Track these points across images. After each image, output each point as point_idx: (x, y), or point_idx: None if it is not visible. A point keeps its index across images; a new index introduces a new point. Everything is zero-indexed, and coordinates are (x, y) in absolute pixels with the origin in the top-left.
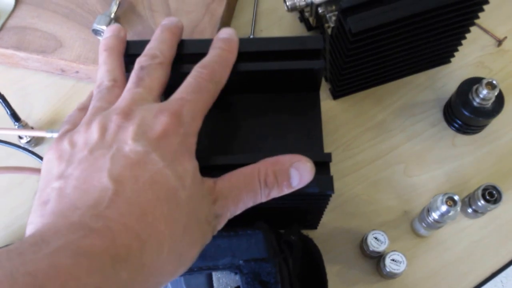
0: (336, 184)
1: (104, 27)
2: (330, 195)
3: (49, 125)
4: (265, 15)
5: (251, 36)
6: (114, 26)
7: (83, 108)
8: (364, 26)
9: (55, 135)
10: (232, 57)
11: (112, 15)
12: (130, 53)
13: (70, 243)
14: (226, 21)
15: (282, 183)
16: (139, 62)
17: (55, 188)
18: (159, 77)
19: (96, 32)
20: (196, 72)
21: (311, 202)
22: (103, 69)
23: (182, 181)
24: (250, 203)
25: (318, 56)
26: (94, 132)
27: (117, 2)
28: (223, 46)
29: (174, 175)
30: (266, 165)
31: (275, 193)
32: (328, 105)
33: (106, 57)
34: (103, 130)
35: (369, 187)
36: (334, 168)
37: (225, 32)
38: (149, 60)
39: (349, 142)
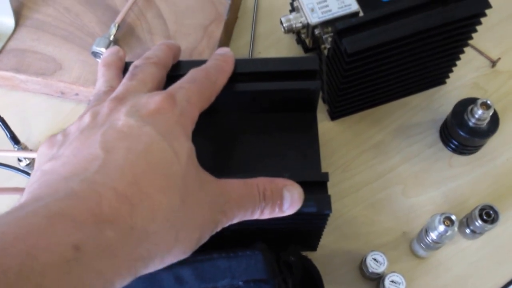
0: (335, 206)
1: (103, 49)
2: (328, 215)
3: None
4: (263, 37)
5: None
6: (113, 47)
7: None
8: (359, 47)
9: None
10: (227, 66)
11: (111, 38)
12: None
13: (47, 205)
14: (224, 44)
15: (276, 201)
16: (133, 64)
17: (45, 168)
18: (152, 72)
19: (96, 55)
20: (192, 71)
21: (309, 222)
22: (100, 80)
23: (178, 156)
24: (248, 213)
25: (314, 76)
26: (86, 118)
27: (116, 25)
28: (219, 57)
29: (169, 148)
30: (264, 180)
31: (268, 212)
32: (326, 126)
33: (105, 71)
34: (95, 113)
35: (367, 209)
36: (332, 190)
37: (221, 49)
38: (143, 60)
39: (347, 163)
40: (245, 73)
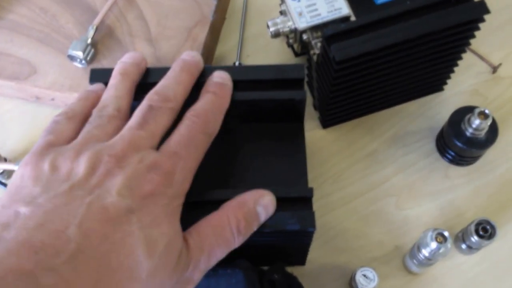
0: (326, 218)
1: (80, 53)
2: (313, 232)
3: (23, 156)
4: (252, 40)
5: (237, 62)
6: (137, 54)
7: (73, 117)
8: (348, 54)
9: None
10: (225, 103)
11: (89, 41)
12: (96, 82)
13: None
14: (210, 47)
15: (253, 223)
16: (150, 99)
17: (20, 214)
18: (165, 123)
19: (72, 58)
20: (190, 122)
21: (293, 239)
22: (111, 92)
23: (153, 249)
24: (223, 254)
25: (300, 86)
26: (81, 167)
27: (95, 27)
28: (217, 91)
29: (145, 242)
30: (234, 210)
31: (248, 235)
32: (317, 134)
33: (118, 82)
34: (91, 169)
35: (359, 221)
36: (323, 201)
37: (219, 76)
38: (160, 102)
39: (339, 173)
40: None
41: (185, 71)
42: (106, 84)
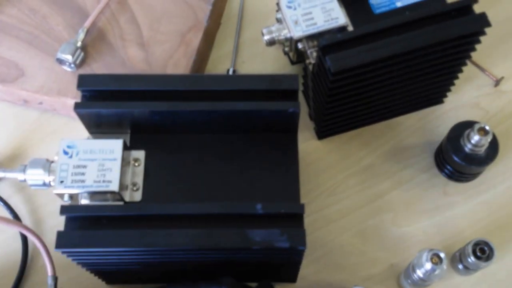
0: (320, 233)
1: (69, 57)
2: (303, 250)
3: (10, 160)
4: (248, 45)
5: (231, 69)
6: None
7: None
8: (344, 65)
9: (8, 175)
10: None
11: (79, 44)
12: (83, 88)
13: None
14: (204, 52)
15: None
16: None
17: None
18: None
19: (61, 62)
20: None
21: (283, 257)
22: None
23: None
24: None
25: (294, 97)
26: None
27: (85, 30)
28: None
29: None
30: None
31: None
32: (312, 145)
33: None
34: None
35: (354, 237)
36: (317, 215)
37: None
38: None
39: (335, 186)
40: (218, 90)
41: None
42: (95, 91)
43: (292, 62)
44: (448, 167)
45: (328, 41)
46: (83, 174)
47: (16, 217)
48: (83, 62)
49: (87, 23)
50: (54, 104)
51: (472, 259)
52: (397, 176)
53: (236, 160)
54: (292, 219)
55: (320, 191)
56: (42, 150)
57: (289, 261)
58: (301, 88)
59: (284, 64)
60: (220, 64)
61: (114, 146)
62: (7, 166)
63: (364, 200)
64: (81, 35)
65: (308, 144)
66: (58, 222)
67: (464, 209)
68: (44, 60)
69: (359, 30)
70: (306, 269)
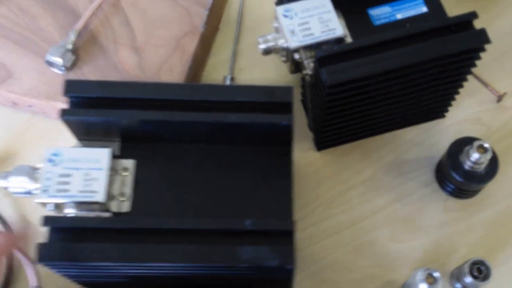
0: (315, 248)
1: (59, 60)
2: (292, 269)
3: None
4: (246, 52)
5: (229, 76)
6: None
7: None
8: (340, 78)
9: None
10: None
11: (70, 46)
12: (70, 94)
13: None
14: (200, 58)
15: None
16: None
17: None
18: None
19: (50, 64)
20: None
21: (271, 275)
22: None
23: None
24: None
25: (288, 110)
26: None
27: (76, 32)
28: None
29: None
30: None
31: None
32: (311, 157)
33: None
34: None
35: (351, 252)
36: (313, 229)
37: None
38: None
39: (332, 199)
40: (210, 101)
41: None
42: (82, 98)
43: (292, 71)
44: (448, 183)
45: (325, 53)
46: (67, 183)
47: (3, 222)
48: (74, 65)
49: (79, 25)
50: (44, 108)
51: (469, 278)
52: (397, 190)
53: (228, 173)
54: (282, 236)
55: (318, 203)
56: (31, 153)
57: (280, 280)
58: (300, 97)
59: (283, 72)
60: (217, 70)
61: (101, 155)
62: None
63: (362, 214)
64: (72, 37)
65: (306, 155)
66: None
67: (463, 226)
68: (33, 62)
69: (357, 42)
70: (301, 284)
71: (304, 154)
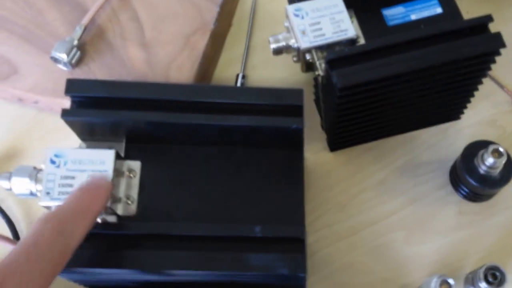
0: (328, 250)
1: (64, 56)
2: (303, 277)
3: (5, 161)
4: (259, 49)
5: (240, 74)
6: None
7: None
8: (351, 81)
9: None
10: (93, 205)
11: (76, 42)
12: (72, 93)
13: None
14: (211, 55)
15: None
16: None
17: None
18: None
19: (56, 60)
20: (37, 227)
21: (282, 283)
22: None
23: None
24: None
25: (298, 113)
26: None
27: (83, 27)
28: (84, 193)
29: None
30: None
31: None
32: (324, 157)
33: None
34: None
35: (364, 255)
36: (326, 231)
37: (91, 181)
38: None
39: (346, 201)
40: (219, 103)
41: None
42: (85, 97)
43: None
44: (463, 186)
45: (336, 55)
46: (71, 186)
47: (9, 221)
48: (80, 61)
49: (85, 20)
50: (50, 104)
51: (483, 284)
52: (411, 193)
53: (238, 176)
54: (293, 243)
55: (331, 205)
56: (37, 151)
57: (290, 286)
58: (313, 97)
59: (296, 71)
60: (229, 67)
61: (105, 157)
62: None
63: (375, 216)
64: (79, 32)
65: (320, 155)
66: None
67: (479, 229)
68: (39, 57)
69: (369, 44)
70: None
71: (318, 155)
